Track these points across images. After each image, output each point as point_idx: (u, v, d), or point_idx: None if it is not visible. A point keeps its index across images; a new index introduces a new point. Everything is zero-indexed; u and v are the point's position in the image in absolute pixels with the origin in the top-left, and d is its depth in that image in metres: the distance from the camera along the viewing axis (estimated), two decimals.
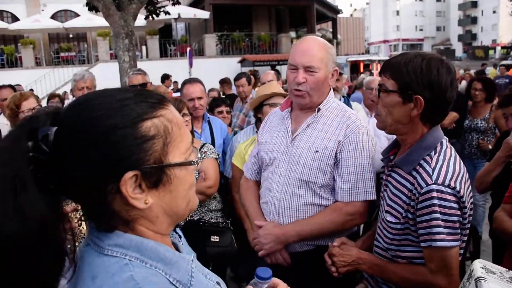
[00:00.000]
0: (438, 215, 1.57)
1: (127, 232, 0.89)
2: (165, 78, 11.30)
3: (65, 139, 0.84)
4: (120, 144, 0.84)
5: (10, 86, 4.77)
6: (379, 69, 2.13)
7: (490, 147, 4.02)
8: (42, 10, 26.42)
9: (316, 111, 2.18)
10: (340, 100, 4.15)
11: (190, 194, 0.97)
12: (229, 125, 5.57)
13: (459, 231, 1.61)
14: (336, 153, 2.11)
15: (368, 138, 2.14)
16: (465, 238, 1.75)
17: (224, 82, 8.78)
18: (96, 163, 0.83)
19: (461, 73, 15.96)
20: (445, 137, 1.76)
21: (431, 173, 1.61)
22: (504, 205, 2.39)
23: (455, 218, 1.59)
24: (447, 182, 1.58)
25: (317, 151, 2.12)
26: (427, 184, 1.60)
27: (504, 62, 33.81)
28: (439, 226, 1.58)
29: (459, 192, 1.58)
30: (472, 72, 16.80)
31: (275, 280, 1.16)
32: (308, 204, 2.16)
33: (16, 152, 0.80)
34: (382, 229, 1.84)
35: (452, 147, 1.74)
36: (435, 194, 1.57)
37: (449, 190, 1.58)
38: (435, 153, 1.67)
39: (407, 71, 1.63)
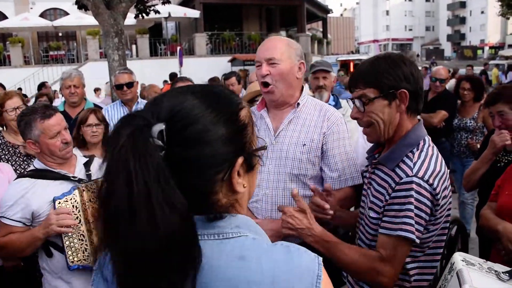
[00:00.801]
0: (412, 207, 1.59)
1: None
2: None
3: (179, 134, 0.85)
4: (234, 131, 0.91)
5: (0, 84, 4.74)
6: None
7: (478, 146, 4.07)
8: (31, 8, 26.17)
9: (295, 106, 2.28)
10: (329, 98, 4.16)
11: (255, 182, 1.04)
12: None
13: (422, 228, 1.63)
14: (322, 144, 2.24)
15: (346, 127, 2.32)
16: (444, 237, 1.77)
17: (212, 81, 8.80)
18: (213, 155, 0.87)
19: (464, 72, 16.00)
20: (427, 135, 1.79)
21: (412, 167, 1.64)
22: (490, 203, 2.42)
23: (424, 215, 1.62)
24: (426, 177, 1.61)
25: (304, 145, 2.22)
26: (407, 176, 1.62)
27: (492, 62, 34.23)
28: (411, 217, 1.59)
29: (435, 189, 1.61)
30: (461, 71, 16.93)
31: None
32: (300, 196, 2.18)
33: (147, 146, 0.80)
34: (364, 225, 1.86)
35: (435, 146, 1.77)
36: (414, 186, 1.60)
37: (426, 186, 1.60)
38: (417, 150, 1.70)
39: (380, 73, 1.68)
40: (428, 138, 1.77)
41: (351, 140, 3.59)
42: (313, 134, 2.24)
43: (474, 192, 5.03)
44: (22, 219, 2.28)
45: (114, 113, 4.39)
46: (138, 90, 5.94)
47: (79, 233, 2.29)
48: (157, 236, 0.77)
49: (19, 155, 3.35)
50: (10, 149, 3.37)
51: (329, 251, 1.72)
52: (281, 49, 2.21)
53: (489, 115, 2.96)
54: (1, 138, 3.41)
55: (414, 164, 1.64)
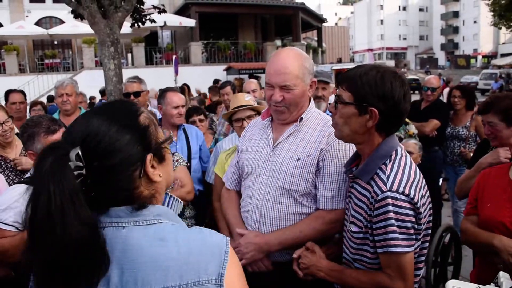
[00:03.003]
0: (393, 221, 1.62)
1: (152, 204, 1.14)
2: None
3: (94, 152, 1.05)
4: (137, 134, 1.11)
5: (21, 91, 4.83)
6: None
7: (471, 154, 4.11)
8: (27, 16, 26.18)
9: (298, 120, 2.20)
10: (327, 108, 4.19)
11: (171, 170, 1.26)
12: (214, 132, 5.59)
13: (413, 237, 1.66)
14: (318, 161, 2.12)
15: (349, 146, 2.14)
16: (426, 244, 1.80)
17: (209, 89, 8.96)
18: (126, 158, 1.07)
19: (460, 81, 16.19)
20: (400, 145, 1.82)
21: (385, 181, 1.66)
22: (468, 217, 2.40)
23: (409, 225, 1.64)
24: (401, 189, 1.63)
25: (299, 159, 2.13)
26: (382, 192, 1.65)
27: (485, 70, 34.51)
28: (394, 232, 1.62)
29: (413, 198, 1.63)
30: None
31: None
32: (290, 212, 2.15)
33: (64, 173, 0.98)
34: (347, 240, 1.89)
35: (408, 155, 1.80)
36: (389, 201, 1.63)
37: (403, 197, 1.62)
38: (389, 161, 1.72)
39: (362, 83, 1.68)
40: (400, 148, 1.79)
41: None
42: (310, 150, 2.14)
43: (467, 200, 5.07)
44: (14, 223, 2.27)
45: None
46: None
47: None
48: (71, 244, 0.95)
49: (11, 169, 3.22)
50: (2, 163, 3.22)
51: (339, 279, 1.86)
52: (295, 73, 2.09)
53: (481, 123, 2.99)
54: None
55: (388, 177, 1.67)
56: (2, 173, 3.21)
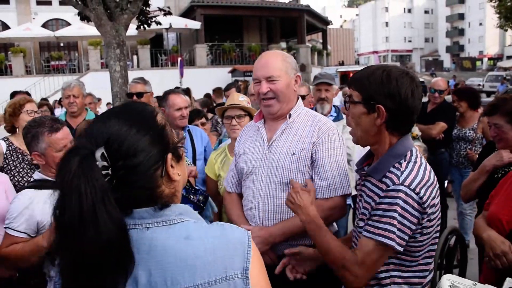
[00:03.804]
0: (396, 215, 1.62)
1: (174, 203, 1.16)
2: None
3: (118, 152, 1.06)
4: (156, 134, 1.12)
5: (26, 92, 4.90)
6: None
7: (477, 157, 4.09)
8: (33, 18, 26.35)
9: (287, 117, 2.35)
10: (331, 109, 4.20)
11: (185, 169, 1.27)
12: (219, 134, 5.60)
13: (406, 237, 1.65)
14: (311, 154, 2.27)
15: (339, 137, 2.34)
16: (434, 246, 1.80)
17: (213, 91, 8.98)
18: (148, 158, 1.08)
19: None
20: (415, 146, 1.82)
21: (399, 175, 1.67)
22: (484, 212, 2.46)
23: (409, 224, 1.63)
24: (413, 186, 1.63)
25: (294, 154, 2.28)
26: (394, 184, 1.65)
27: (490, 73, 34.35)
28: (394, 225, 1.62)
29: (421, 198, 1.63)
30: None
31: None
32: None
33: (94, 172, 0.99)
34: (356, 236, 1.89)
35: (423, 157, 1.80)
36: (401, 194, 1.62)
37: (413, 195, 1.62)
38: (404, 161, 1.72)
39: (369, 83, 1.73)
40: (415, 150, 1.79)
41: (353, 150, 3.64)
42: (303, 144, 2.29)
43: (473, 202, 5.03)
44: (27, 230, 2.29)
45: None
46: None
47: None
48: (101, 241, 0.96)
49: (27, 162, 3.36)
50: (20, 155, 3.38)
51: (315, 233, 1.83)
52: (278, 66, 2.29)
53: (488, 125, 2.98)
54: (10, 144, 3.42)
55: (402, 173, 1.67)
56: (18, 165, 3.31)
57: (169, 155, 1.14)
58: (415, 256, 1.74)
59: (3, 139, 3.50)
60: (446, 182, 5.40)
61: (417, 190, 1.63)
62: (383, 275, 1.79)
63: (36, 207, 2.29)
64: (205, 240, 1.09)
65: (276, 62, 2.30)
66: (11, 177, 3.33)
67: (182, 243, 1.07)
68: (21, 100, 3.63)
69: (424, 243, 1.73)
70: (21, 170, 3.32)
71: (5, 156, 3.39)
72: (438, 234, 1.81)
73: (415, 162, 1.72)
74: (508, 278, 1.83)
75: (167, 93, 3.90)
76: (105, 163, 1.03)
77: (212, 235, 1.11)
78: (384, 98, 1.69)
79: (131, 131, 1.08)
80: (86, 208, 0.95)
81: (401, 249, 1.64)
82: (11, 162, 3.35)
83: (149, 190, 1.10)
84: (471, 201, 5.05)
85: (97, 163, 1.01)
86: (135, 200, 1.09)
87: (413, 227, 1.65)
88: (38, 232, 2.32)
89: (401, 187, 1.63)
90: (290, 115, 2.35)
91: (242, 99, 3.37)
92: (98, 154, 1.02)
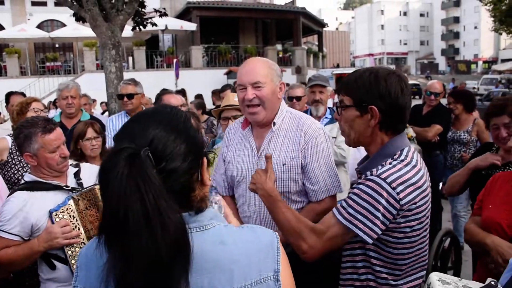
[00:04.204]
0: (366, 204, 1.63)
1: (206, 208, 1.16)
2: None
3: (161, 154, 1.04)
4: (192, 138, 1.12)
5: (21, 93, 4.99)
6: None
7: None
8: (28, 19, 26.24)
9: (272, 125, 2.35)
10: (325, 111, 4.21)
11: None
12: (215, 136, 5.59)
13: (377, 230, 1.63)
14: (301, 161, 2.30)
15: (326, 137, 2.37)
16: (426, 247, 1.81)
17: (212, 93, 9.05)
18: (188, 162, 1.08)
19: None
20: (410, 146, 1.81)
21: (379, 169, 1.68)
22: (473, 217, 2.44)
23: (380, 215, 1.61)
24: (389, 180, 1.62)
25: (284, 164, 2.29)
26: (372, 175, 1.67)
27: (485, 76, 34.54)
28: (361, 213, 1.63)
29: (398, 194, 1.61)
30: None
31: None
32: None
33: (149, 170, 0.98)
34: None
35: (415, 156, 1.77)
36: (373, 185, 1.63)
37: (388, 188, 1.61)
38: (391, 159, 1.73)
39: (358, 86, 1.75)
40: (407, 149, 1.77)
41: (348, 152, 3.65)
42: (292, 153, 2.30)
43: (467, 204, 5.06)
44: (20, 233, 2.25)
45: (118, 124, 4.42)
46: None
47: (79, 241, 2.29)
48: (170, 241, 0.95)
49: (24, 164, 3.38)
50: (19, 157, 3.42)
51: (271, 205, 1.86)
52: (264, 72, 2.28)
53: (492, 127, 2.91)
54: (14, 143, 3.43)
55: (382, 167, 1.69)
56: (23, 160, 3.35)
57: (205, 160, 1.16)
58: (401, 258, 1.74)
59: (8, 135, 3.56)
60: (440, 184, 5.42)
61: (394, 185, 1.61)
62: (362, 277, 1.81)
63: (31, 210, 2.25)
64: (239, 244, 1.11)
65: (262, 69, 2.29)
66: (15, 172, 3.41)
67: (218, 248, 1.09)
68: (28, 99, 3.78)
69: (408, 247, 1.72)
70: (24, 165, 3.37)
71: (10, 151, 3.44)
72: (427, 237, 1.80)
73: (402, 160, 1.70)
74: (489, 278, 1.85)
75: (161, 94, 3.90)
76: (151, 163, 1.00)
77: (246, 239, 1.14)
78: (376, 99, 1.71)
79: (171, 135, 1.08)
80: (151, 208, 0.94)
81: (370, 240, 1.64)
82: (15, 157, 3.42)
83: (186, 194, 1.10)
84: (464, 203, 5.08)
85: (148, 162, 0.99)
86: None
87: (387, 222, 1.63)
88: (32, 235, 2.28)
89: (376, 178, 1.64)
90: (274, 123, 2.35)
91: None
92: (143, 154, 1.00)
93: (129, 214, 0.93)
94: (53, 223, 2.25)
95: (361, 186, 1.67)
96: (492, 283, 1.72)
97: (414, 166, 1.70)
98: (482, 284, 1.77)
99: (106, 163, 1.00)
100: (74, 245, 2.27)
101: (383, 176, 1.63)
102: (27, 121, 2.43)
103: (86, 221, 2.30)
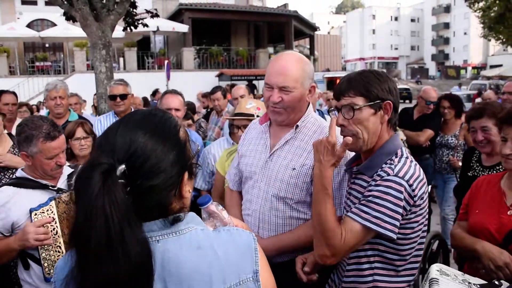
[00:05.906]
0: (389, 204, 1.63)
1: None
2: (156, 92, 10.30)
3: (139, 170, 1.01)
4: (178, 152, 1.09)
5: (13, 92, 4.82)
6: None
7: (460, 164, 4.14)
8: (18, 18, 25.98)
9: (294, 128, 2.20)
10: (314, 110, 4.21)
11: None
12: (204, 138, 5.58)
13: (398, 224, 1.65)
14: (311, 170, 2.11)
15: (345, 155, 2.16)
16: (422, 246, 1.83)
17: (205, 96, 9.11)
18: (167, 179, 1.05)
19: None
20: (403, 146, 1.87)
21: (393, 168, 1.69)
22: (459, 222, 2.44)
23: (402, 211, 1.65)
24: (406, 177, 1.66)
25: (294, 169, 2.15)
26: (389, 175, 1.67)
27: (474, 81, 34.91)
28: (385, 213, 1.63)
29: (414, 191, 1.66)
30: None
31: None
32: (287, 217, 2.18)
33: (118, 192, 0.95)
34: None
35: (411, 155, 1.86)
36: (395, 185, 1.64)
37: (407, 186, 1.65)
38: (396, 157, 1.76)
39: (369, 83, 1.76)
40: (404, 149, 1.84)
41: None
42: (305, 159, 2.14)
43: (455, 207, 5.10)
44: (0, 229, 2.22)
45: (106, 124, 4.35)
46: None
47: (56, 244, 2.25)
48: (131, 264, 0.93)
49: None
50: None
51: (320, 192, 1.74)
52: (295, 75, 2.09)
53: (470, 130, 2.98)
54: None
55: (395, 166, 1.70)
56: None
57: (186, 175, 1.12)
58: (403, 256, 1.75)
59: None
60: (429, 187, 5.46)
61: (410, 181, 1.66)
62: (368, 278, 1.80)
63: (13, 207, 2.23)
64: (216, 248, 1.10)
65: (293, 71, 2.09)
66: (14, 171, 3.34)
67: (195, 254, 1.07)
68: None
69: (412, 243, 1.75)
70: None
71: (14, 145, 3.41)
72: (425, 235, 1.83)
73: (407, 157, 1.77)
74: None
75: (165, 92, 3.86)
76: (124, 181, 0.98)
77: (222, 242, 1.12)
78: (387, 94, 1.77)
79: (156, 149, 1.04)
80: (114, 232, 0.92)
81: (394, 236, 1.65)
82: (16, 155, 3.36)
83: (161, 207, 1.08)
84: (452, 206, 5.11)
85: (120, 181, 0.97)
86: (146, 216, 1.05)
87: (403, 216, 1.67)
88: (13, 232, 2.25)
89: (396, 179, 1.66)
90: (297, 126, 2.20)
91: (249, 106, 3.23)
92: (119, 171, 0.98)
93: (92, 234, 0.92)
94: (32, 222, 2.21)
95: (381, 188, 1.66)
96: (496, 282, 1.74)
97: (416, 163, 1.78)
98: (484, 281, 1.78)
99: (83, 173, 0.98)
100: (49, 247, 2.23)
101: (400, 174, 1.67)
102: (32, 121, 2.34)
103: (64, 225, 2.25)
